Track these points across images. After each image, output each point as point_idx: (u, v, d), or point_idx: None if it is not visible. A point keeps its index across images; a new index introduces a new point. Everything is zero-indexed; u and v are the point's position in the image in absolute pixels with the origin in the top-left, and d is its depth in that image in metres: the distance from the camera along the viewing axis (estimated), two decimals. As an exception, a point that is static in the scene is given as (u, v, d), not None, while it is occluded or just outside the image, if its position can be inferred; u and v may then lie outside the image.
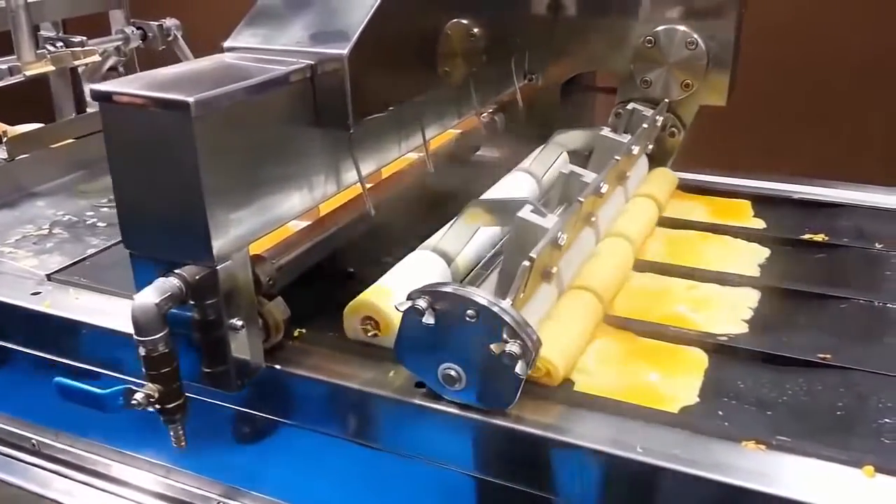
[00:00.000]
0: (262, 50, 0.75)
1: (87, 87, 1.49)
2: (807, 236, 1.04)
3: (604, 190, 0.85)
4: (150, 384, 0.69)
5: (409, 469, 0.73)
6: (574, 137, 1.10)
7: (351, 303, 0.79)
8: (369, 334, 0.79)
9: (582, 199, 0.79)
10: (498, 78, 1.14)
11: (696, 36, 1.12)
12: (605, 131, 0.99)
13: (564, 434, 0.66)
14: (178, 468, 0.89)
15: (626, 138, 0.98)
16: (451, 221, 0.95)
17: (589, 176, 0.85)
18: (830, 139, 1.89)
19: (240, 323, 0.70)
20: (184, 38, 1.56)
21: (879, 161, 1.84)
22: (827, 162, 1.59)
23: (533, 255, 0.68)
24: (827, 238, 1.04)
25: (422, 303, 0.67)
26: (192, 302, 0.69)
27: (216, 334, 0.70)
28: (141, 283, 0.69)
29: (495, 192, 1.05)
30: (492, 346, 0.66)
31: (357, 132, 0.77)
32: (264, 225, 0.72)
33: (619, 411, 0.69)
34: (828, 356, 0.78)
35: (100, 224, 1.16)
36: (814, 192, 1.17)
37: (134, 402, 0.68)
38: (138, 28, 1.51)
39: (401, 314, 0.78)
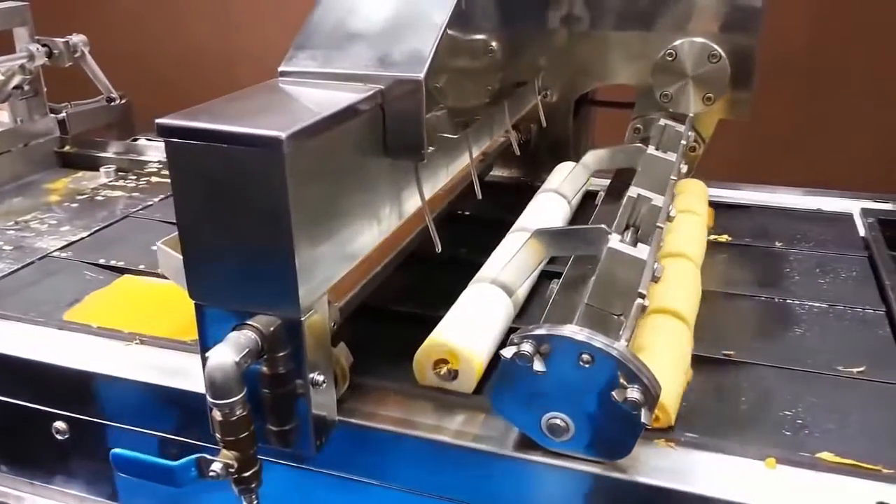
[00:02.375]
0: (322, 74, 0.69)
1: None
2: (711, 237, 1.08)
3: (673, 213, 0.82)
4: (225, 451, 0.61)
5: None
6: (606, 156, 1.06)
7: (424, 346, 0.73)
8: (445, 379, 0.73)
9: (662, 226, 0.76)
10: (519, 95, 1.10)
11: (718, 49, 1.10)
12: (651, 150, 0.96)
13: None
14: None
15: (671, 156, 0.95)
16: (504, 249, 0.91)
17: (658, 199, 0.81)
18: (732, 140, 1.93)
19: (321, 377, 0.64)
20: (91, 54, 1.51)
21: (781, 161, 1.89)
22: (731, 163, 1.62)
23: (642, 290, 0.64)
24: (730, 238, 1.10)
25: (527, 348, 0.62)
26: (265, 356, 0.62)
27: (295, 390, 0.63)
28: (210, 337, 0.62)
29: (529, 216, 1.01)
30: (614, 394, 0.61)
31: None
32: (341, 267, 0.66)
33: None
34: (731, 353, 0.82)
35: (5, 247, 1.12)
36: (718, 194, 1.22)
37: (212, 473, 0.60)
38: (43, 45, 1.45)
39: (479, 356, 0.74)
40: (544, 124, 1.13)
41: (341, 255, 0.65)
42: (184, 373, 0.77)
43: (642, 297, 0.63)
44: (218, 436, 0.61)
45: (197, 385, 0.71)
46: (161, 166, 1.44)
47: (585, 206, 1.13)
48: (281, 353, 0.62)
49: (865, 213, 1.15)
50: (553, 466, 0.65)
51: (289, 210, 0.56)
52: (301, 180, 0.57)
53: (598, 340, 0.61)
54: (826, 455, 0.66)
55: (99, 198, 1.33)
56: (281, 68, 0.70)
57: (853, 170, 1.81)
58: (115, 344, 0.83)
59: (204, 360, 0.63)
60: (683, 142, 1.02)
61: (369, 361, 0.75)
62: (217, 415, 0.61)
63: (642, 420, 0.60)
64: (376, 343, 0.80)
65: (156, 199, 1.29)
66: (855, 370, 0.79)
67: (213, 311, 0.62)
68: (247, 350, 0.60)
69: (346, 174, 0.65)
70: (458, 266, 0.92)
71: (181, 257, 0.63)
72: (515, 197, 1.11)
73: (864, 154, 1.89)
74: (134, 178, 1.42)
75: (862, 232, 1.11)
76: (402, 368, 0.76)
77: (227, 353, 0.59)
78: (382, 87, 0.67)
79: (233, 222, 0.58)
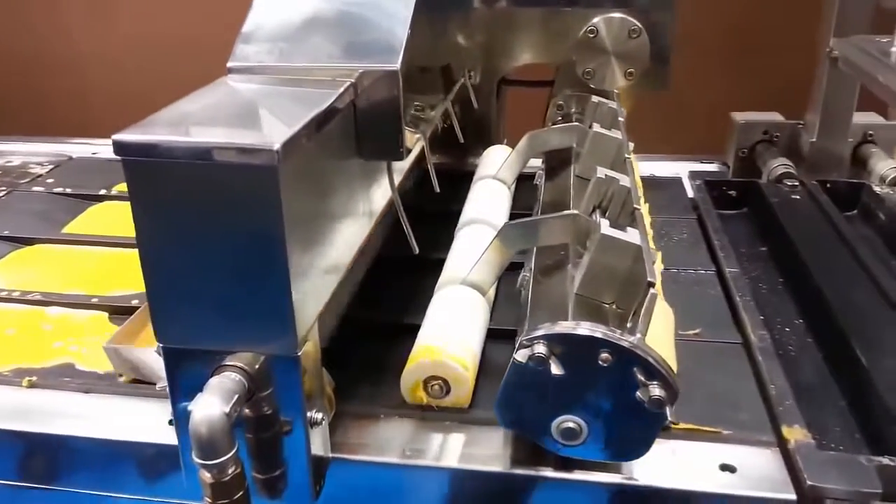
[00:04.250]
0: (280, 69, 0.60)
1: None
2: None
3: (640, 194, 0.79)
4: (216, 515, 0.53)
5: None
6: (545, 138, 1.03)
7: (411, 363, 0.67)
8: (437, 396, 0.67)
9: (639, 207, 0.73)
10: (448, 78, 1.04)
11: (637, 24, 1.09)
12: (597, 128, 0.93)
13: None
14: None
15: (618, 134, 0.93)
16: (464, 245, 0.85)
17: (625, 179, 0.78)
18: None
19: (319, 415, 0.56)
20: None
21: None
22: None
23: (651, 279, 0.60)
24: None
25: (542, 350, 0.57)
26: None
27: (287, 431, 0.56)
28: (184, 386, 0.53)
29: (476, 207, 0.96)
30: (638, 393, 0.57)
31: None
32: (329, 285, 0.58)
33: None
34: None
35: None
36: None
37: (209, 544, 0.52)
38: None
39: (473, 368, 0.68)
40: (476, 106, 1.08)
41: (327, 271, 0.58)
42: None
43: (652, 285, 0.60)
44: (208, 500, 0.52)
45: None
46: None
47: (520, 190, 1.10)
48: (268, 393, 0.55)
49: (693, 175, 1.18)
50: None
51: (283, 231, 0.48)
52: (292, 195, 0.49)
53: (618, 338, 0.57)
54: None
55: None
56: (230, 64, 0.60)
57: (680, 135, 1.87)
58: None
59: (179, 410, 0.54)
60: (621, 119, 1.00)
61: (344, 382, 0.67)
62: (206, 476, 0.52)
63: (669, 418, 0.58)
64: (346, 359, 0.73)
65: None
66: (691, 332, 0.78)
67: (187, 355, 0.53)
68: (236, 396, 0.51)
69: (326, 182, 0.57)
70: (415, 265, 0.86)
71: (137, 348, 0.54)
72: (450, 185, 1.05)
73: (688, 118, 1.94)
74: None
75: (691, 194, 1.13)
76: (384, 386, 0.69)
77: (214, 403, 0.50)
78: (353, 80, 0.59)
79: (213, 250, 0.49)
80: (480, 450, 0.63)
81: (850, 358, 0.74)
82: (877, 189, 1.08)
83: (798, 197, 1.08)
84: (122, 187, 1.18)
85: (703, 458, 0.61)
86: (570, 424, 0.59)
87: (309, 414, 0.55)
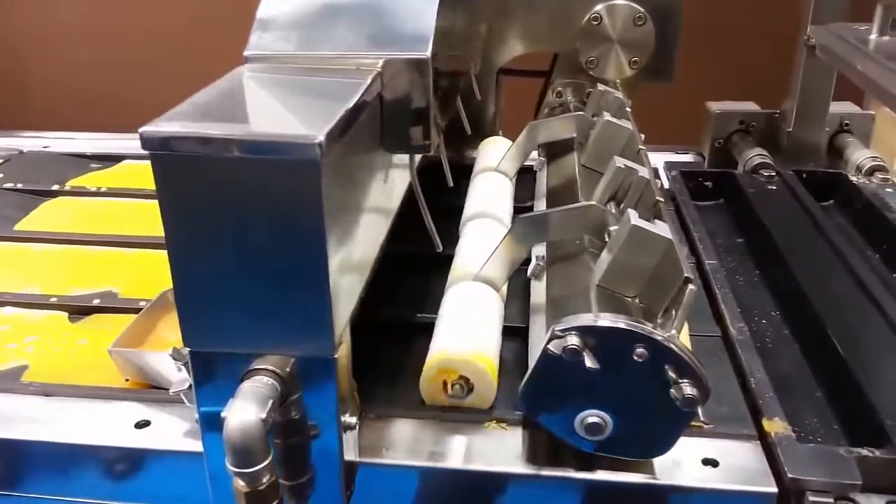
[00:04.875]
0: (302, 58, 0.57)
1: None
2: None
3: (660, 185, 0.78)
4: (251, 527, 0.50)
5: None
6: (549, 128, 1.01)
7: (431, 362, 0.65)
8: (459, 396, 0.65)
9: (661, 200, 0.71)
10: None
11: (643, 11, 1.08)
12: (608, 117, 0.91)
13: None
14: None
15: (627, 124, 0.91)
16: (473, 239, 0.83)
17: (643, 171, 0.77)
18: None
19: (353, 419, 0.54)
20: None
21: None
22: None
23: (688, 275, 0.59)
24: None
25: (575, 342, 0.55)
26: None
27: (318, 436, 0.53)
28: (212, 391, 0.51)
29: (480, 200, 0.94)
30: (672, 391, 0.56)
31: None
32: (359, 283, 0.56)
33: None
34: None
35: None
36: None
37: (245, 556, 0.49)
38: None
39: (495, 366, 0.66)
40: (479, 97, 1.06)
41: (357, 269, 0.55)
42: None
43: (690, 281, 0.59)
44: (242, 510, 0.50)
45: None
46: None
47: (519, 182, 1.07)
48: (297, 397, 0.52)
49: (669, 166, 1.17)
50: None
51: (323, 227, 0.45)
52: (330, 190, 0.46)
53: (656, 333, 0.55)
54: None
55: None
56: (247, 52, 0.58)
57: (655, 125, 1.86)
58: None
59: (206, 416, 0.52)
60: (628, 108, 0.98)
61: (359, 383, 0.65)
62: (241, 485, 0.49)
63: (701, 418, 0.56)
64: (359, 359, 0.71)
65: None
66: None
67: (217, 359, 0.51)
68: (270, 402, 0.49)
69: (354, 176, 0.55)
70: (422, 262, 0.84)
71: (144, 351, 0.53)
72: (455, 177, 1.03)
73: (662, 107, 1.94)
74: None
75: (667, 185, 1.12)
76: (401, 387, 0.67)
77: (250, 409, 0.48)
78: (379, 69, 0.57)
79: (248, 249, 0.47)
80: (502, 451, 0.61)
81: (828, 349, 0.74)
82: (853, 179, 1.08)
83: (774, 187, 1.07)
84: (76, 182, 1.16)
85: (686, 452, 0.60)
86: (595, 419, 0.58)
87: (343, 418, 0.53)
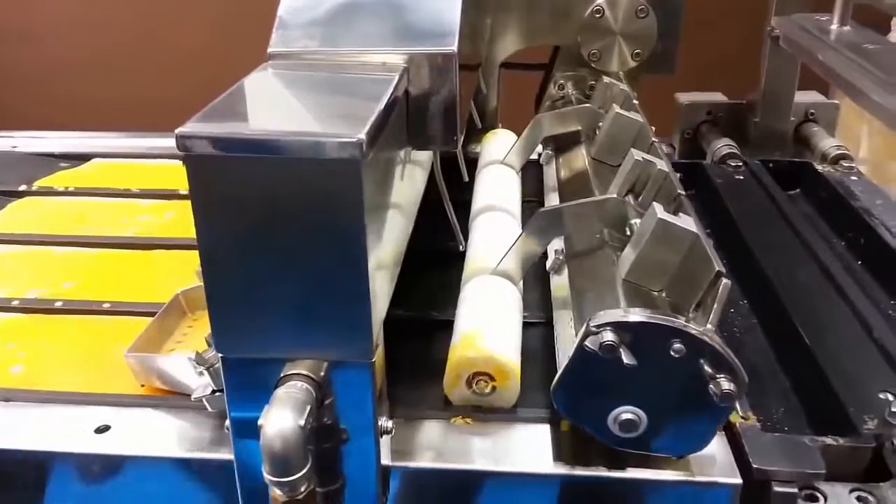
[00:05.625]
0: (327, 55, 0.56)
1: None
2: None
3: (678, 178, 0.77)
4: (289, 536, 0.49)
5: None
6: (557, 120, 1.00)
7: (455, 360, 0.63)
8: (482, 394, 0.64)
9: (683, 193, 0.71)
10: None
11: (645, 3, 1.07)
12: (618, 109, 0.90)
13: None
14: None
15: (638, 117, 0.91)
16: (486, 233, 0.82)
17: (661, 164, 0.76)
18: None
19: (390, 423, 0.53)
20: None
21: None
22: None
23: (721, 269, 0.58)
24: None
25: (612, 337, 0.54)
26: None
27: (357, 442, 0.52)
28: (245, 398, 0.49)
29: (489, 193, 0.93)
30: (711, 387, 0.55)
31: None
32: (391, 283, 0.55)
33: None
34: None
35: None
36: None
37: (285, 566, 0.48)
38: None
39: (518, 363, 0.65)
40: (485, 91, 1.05)
41: (389, 269, 0.54)
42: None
43: (723, 275, 0.58)
44: (280, 520, 0.49)
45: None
46: None
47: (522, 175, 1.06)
48: (331, 402, 0.51)
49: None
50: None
51: (363, 227, 0.44)
52: (367, 188, 0.45)
53: (692, 328, 0.55)
54: None
55: None
56: (271, 49, 0.56)
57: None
58: None
59: (238, 422, 0.51)
60: (635, 101, 0.98)
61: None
62: (278, 494, 0.48)
63: (740, 414, 0.56)
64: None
65: None
66: None
67: (250, 364, 0.49)
68: (308, 408, 0.48)
69: (385, 175, 0.53)
70: (433, 258, 0.83)
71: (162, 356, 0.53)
72: (455, 172, 1.02)
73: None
74: None
75: None
76: (423, 387, 0.66)
77: (288, 416, 0.47)
78: (405, 65, 0.56)
79: (284, 251, 0.45)
80: (532, 451, 0.60)
81: (794, 338, 0.74)
82: (818, 167, 1.08)
83: (741, 177, 1.07)
84: (43, 182, 1.13)
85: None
86: (629, 416, 0.57)
87: (379, 422, 0.52)
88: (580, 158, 0.95)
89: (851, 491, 0.57)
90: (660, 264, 0.64)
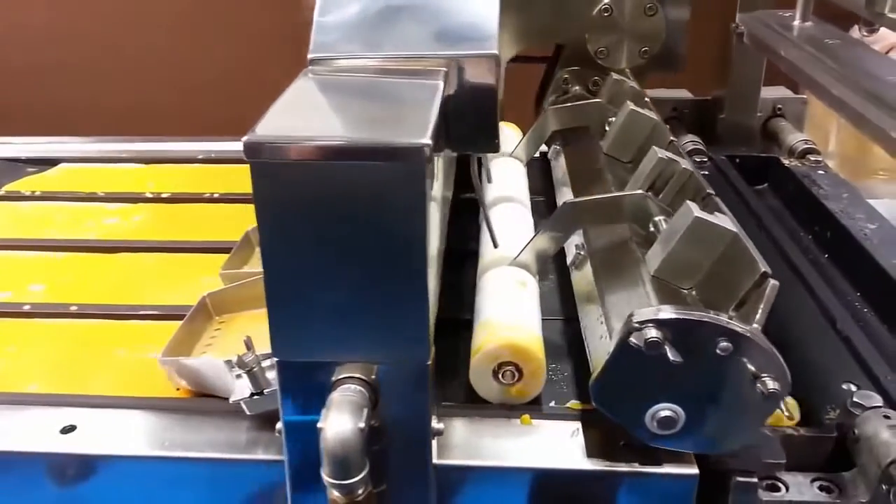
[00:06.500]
0: (367, 59, 0.56)
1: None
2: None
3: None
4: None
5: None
6: (567, 115, 1.00)
7: (481, 350, 0.62)
8: (508, 383, 0.63)
9: (712, 192, 0.72)
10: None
11: (654, 1, 1.08)
12: (632, 106, 0.91)
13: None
14: None
15: (652, 114, 0.92)
16: (502, 224, 0.82)
17: (685, 162, 0.77)
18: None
19: (441, 425, 0.54)
20: None
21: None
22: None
23: (766, 269, 0.59)
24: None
25: (656, 334, 0.54)
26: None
27: (410, 444, 0.53)
28: (300, 402, 0.50)
29: (502, 186, 0.93)
30: (758, 386, 0.55)
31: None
32: (436, 288, 0.55)
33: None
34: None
35: None
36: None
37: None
38: None
39: (541, 352, 0.64)
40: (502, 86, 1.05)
41: (437, 269, 0.55)
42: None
43: (769, 276, 0.58)
44: (339, 524, 0.49)
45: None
46: None
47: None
48: (383, 404, 0.52)
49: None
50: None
51: (427, 230, 0.45)
52: (430, 196, 0.46)
53: (739, 326, 0.55)
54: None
55: None
56: (311, 55, 0.56)
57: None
58: None
59: (292, 425, 0.51)
60: (647, 98, 0.99)
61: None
62: (337, 496, 0.49)
63: (785, 413, 0.56)
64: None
65: None
66: None
67: (305, 368, 0.50)
68: (365, 410, 0.49)
69: (433, 178, 0.54)
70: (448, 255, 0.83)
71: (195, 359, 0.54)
72: (461, 167, 1.02)
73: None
74: None
75: None
76: (447, 385, 0.66)
77: (346, 420, 0.47)
78: (446, 68, 0.56)
79: (348, 256, 0.46)
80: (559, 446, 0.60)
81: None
82: (785, 162, 1.09)
83: (706, 172, 1.08)
84: (10, 187, 1.13)
85: (607, 437, 0.60)
86: (668, 413, 0.57)
87: (433, 424, 0.53)
88: (593, 154, 0.95)
89: (813, 480, 0.58)
90: (692, 263, 0.64)
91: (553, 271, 0.85)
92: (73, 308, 0.81)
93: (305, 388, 0.50)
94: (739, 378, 0.55)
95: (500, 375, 0.63)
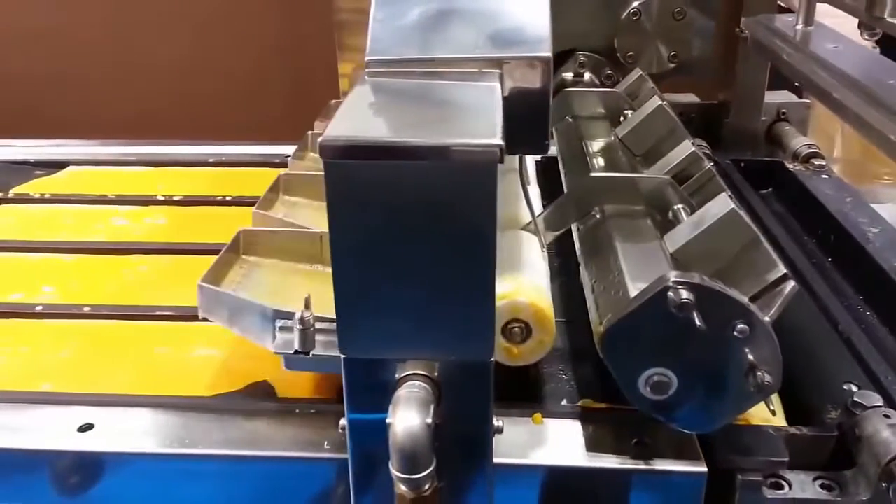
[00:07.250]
0: (426, 62, 0.57)
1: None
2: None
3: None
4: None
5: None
6: (585, 99, 0.99)
7: (507, 298, 0.61)
8: (516, 341, 0.62)
9: (731, 196, 0.71)
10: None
11: (683, 6, 1.09)
12: (659, 101, 0.90)
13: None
14: None
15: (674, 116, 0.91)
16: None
17: (707, 162, 0.77)
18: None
19: (500, 423, 0.54)
20: None
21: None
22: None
23: (786, 271, 0.59)
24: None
25: (688, 296, 0.53)
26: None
27: (470, 441, 0.54)
28: (365, 399, 0.51)
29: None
30: (759, 374, 0.54)
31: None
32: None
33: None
34: None
35: None
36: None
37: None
38: None
39: (549, 308, 0.63)
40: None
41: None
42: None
43: (788, 278, 0.59)
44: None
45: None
46: None
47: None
48: (445, 401, 0.52)
49: None
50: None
51: (495, 229, 0.46)
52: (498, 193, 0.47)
53: (760, 314, 0.55)
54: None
55: None
56: (368, 57, 0.57)
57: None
58: None
59: (356, 422, 0.52)
60: (665, 103, 0.98)
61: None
62: (404, 490, 0.50)
63: (770, 407, 0.57)
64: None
65: None
66: None
67: (371, 365, 0.51)
68: (431, 407, 0.50)
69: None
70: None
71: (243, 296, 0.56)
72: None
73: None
74: None
75: None
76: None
77: (414, 416, 0.48)
78: (500, 71, 0.57)
79: (417, 254, 0.47)
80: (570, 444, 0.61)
81: None
82: (789, 166, 1.09)
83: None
84: (19, 190, 1.14)
85: (618, 435, 0.61)
86: (663, 378, 0.56)
87: (495, 422, 0.53)
88: (607, 138, 0.93)
89: (815, 479, 0.59)
90: (711, 252, 0.65)
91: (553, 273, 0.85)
92: (87, 309, 0.82)
93: (371, 385, 0.51)
94: (740, 364, 0.55)
95: (508, 331, 0.62)
